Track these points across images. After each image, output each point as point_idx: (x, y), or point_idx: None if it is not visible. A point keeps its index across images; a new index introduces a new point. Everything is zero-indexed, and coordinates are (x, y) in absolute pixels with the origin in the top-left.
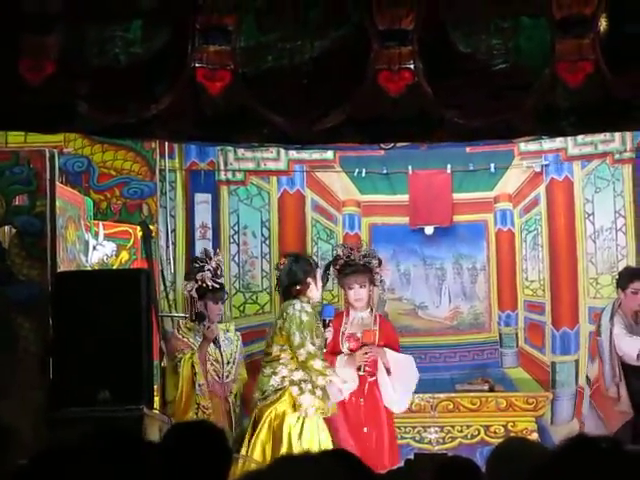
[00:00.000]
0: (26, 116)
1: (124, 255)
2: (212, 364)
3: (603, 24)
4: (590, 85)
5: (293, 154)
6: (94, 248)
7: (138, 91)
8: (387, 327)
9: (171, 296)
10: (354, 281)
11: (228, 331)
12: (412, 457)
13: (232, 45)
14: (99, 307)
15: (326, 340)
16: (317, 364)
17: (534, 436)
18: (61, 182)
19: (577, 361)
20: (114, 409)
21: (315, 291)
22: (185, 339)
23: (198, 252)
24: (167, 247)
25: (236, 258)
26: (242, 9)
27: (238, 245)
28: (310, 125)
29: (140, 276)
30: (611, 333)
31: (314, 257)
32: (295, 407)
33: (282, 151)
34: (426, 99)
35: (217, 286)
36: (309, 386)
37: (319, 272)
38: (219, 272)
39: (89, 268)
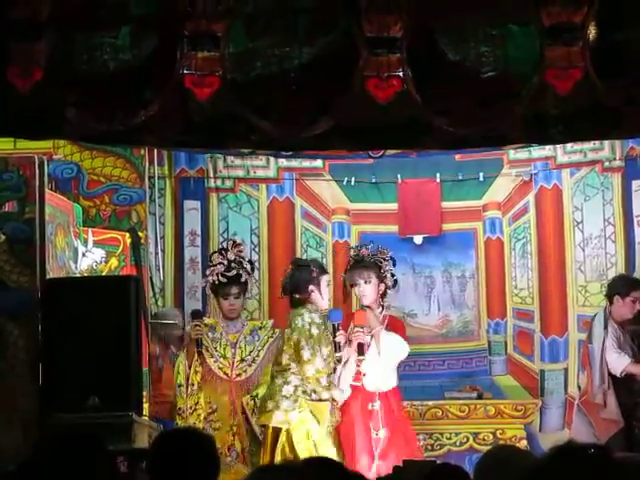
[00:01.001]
0: (15, 123)
1: (113, 262)
2: (217, 361)
3: (592, 32)
4: (579, 93)
5: (282, 162)
6: (83, 255)
7: (127, 97)
8: (394, 326)
9: (160, 302)
10: (358, 276)
11: (261, 328)
12: (401, 464)
13: (221, 51)
14: (88, 314)
15: (338, 344)
16: (323, 380)
17: (523, 443)
18: (50, 189)
19: (566, 369)
20: (103, 415)
21: (320, 300)
22: (198, 336)
23: (188, 258)
24: (156, 254)
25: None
26: (231, 15)
27: None
28: (298, 132)
29: (129, 283)
30: (604, 342)
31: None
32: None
33: (271, 159)
34: (415, 107)
35: (224, 281)
36: (317, 396)
37: (325, 278)
38: (233, 265)
39: (78, 275)
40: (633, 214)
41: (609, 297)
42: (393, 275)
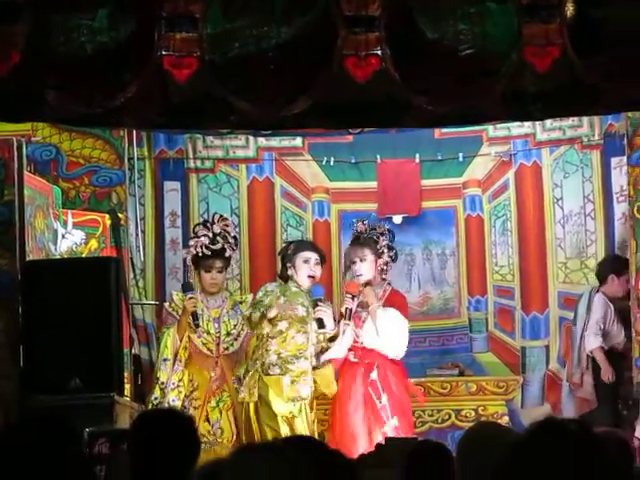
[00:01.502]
0: None
1: (93, 243)
2: (200, 337)
3: (570, 9)
4: (558, 70)
5: (262, 141)
6: (63, 237)
7: (105, 79)
8: (393, 299)
9: (141, 284)
10: (354, 254)
11: (242, 303)
12: (383, 441)
13: (199, 32)
14: (69, 296)
15: (321, 320)
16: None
17: (505, 420)
18: (29, 171)
19: (547, 346)
20: (85, 396)
21: (296, 276)
22: (174, 313)
23: (168, 239)
24: (136, 235)
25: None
26: None
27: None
28: (277, 111)
29: (110, 264)
30: (585, 323)
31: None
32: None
33: (251, 139)
34: (393, 85)
35: (208, 253)
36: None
37: (303, 255)
38: (218, 238)
39: (58, 257)
40: (612, 191)
41: (603, 276)
42: (392, 248)
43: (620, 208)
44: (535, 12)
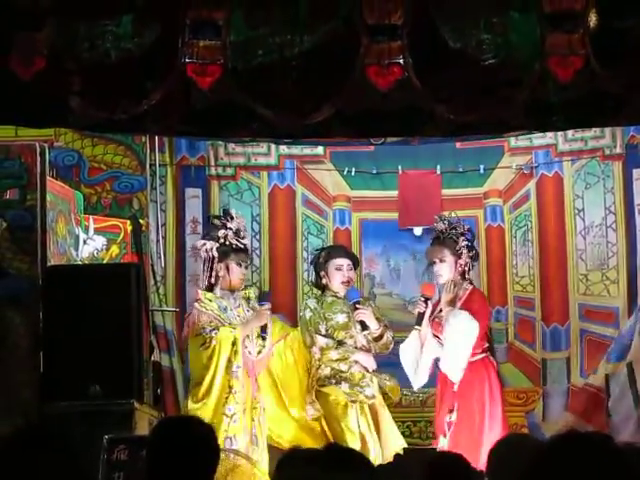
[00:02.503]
0: (17, 111)
1: (114, 249)
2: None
3: (593, 19)
4: (580, 80)
5: (284, 149)
6: (84, 242)
7: (129, 86)
8: (471, 298)
9: (161, 290)
10: (433, 255)
11: (249, 298)
12: (401, 452)
13: (222, 40)
14: (89, 301)
15: (363, 323)
16: (333, 355)
17: (524, 431)
18: (51, 176)
19: (568, 358)
20: (105, 403)
21: (330, 284)
22: (210, 311)
23: (189, 246)
24: (157, 241)
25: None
26: (232, 4)
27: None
28: (300, 120)
29: (130, 270)
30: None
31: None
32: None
33: (273, 146)
34: (416, 94)
35: (241, 246)
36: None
37: (335, 262)
38: (241, 234)
39: (79, 262)
40: (634, 203)
41: None
42: (472, 248)
43: None
44: (558, 22)
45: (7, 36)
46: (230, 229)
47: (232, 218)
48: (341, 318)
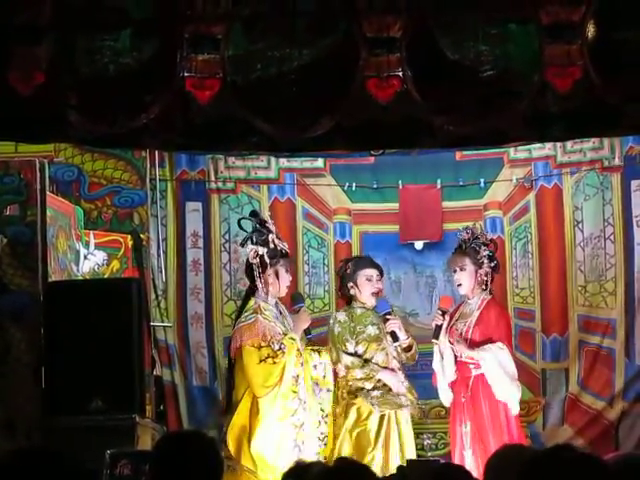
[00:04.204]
0: (16, 126)
1: (115, 264)
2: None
3: (591, 30)
4: (579, 91)
5: (284, 162)
6: (85, 257)
7: (128, 100)
8: (489, 312)
9: (162, 304)
10: (454, 264)
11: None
12: (405, 463)
13: (221, 54)
14: (91, 316)
15: (394, 334)
16: (358, 374)
17: (527, 442)
18: (52, 191)
19: (567, 369)
20: (107, 418)
21: (360, 296)
22: (272, 323)
23: (190, 260)
24: (158, 256)
25: (227, 267)
26: (230, 18)
27: (229, 254)
28: (299, 133)
29: (131, 285)
30: None
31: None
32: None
33: (272, 159)
34: (415, 106)
35: (287, 250)
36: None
37: (364, 272)
38: (280, 237)
39: (80, 277)
40: (632, 214)
41: None
42: (493, 259)
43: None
44: (556, 33)
45: (6, 52)
46: (273, 232)
47: (267, 221)
48: (372, 330)
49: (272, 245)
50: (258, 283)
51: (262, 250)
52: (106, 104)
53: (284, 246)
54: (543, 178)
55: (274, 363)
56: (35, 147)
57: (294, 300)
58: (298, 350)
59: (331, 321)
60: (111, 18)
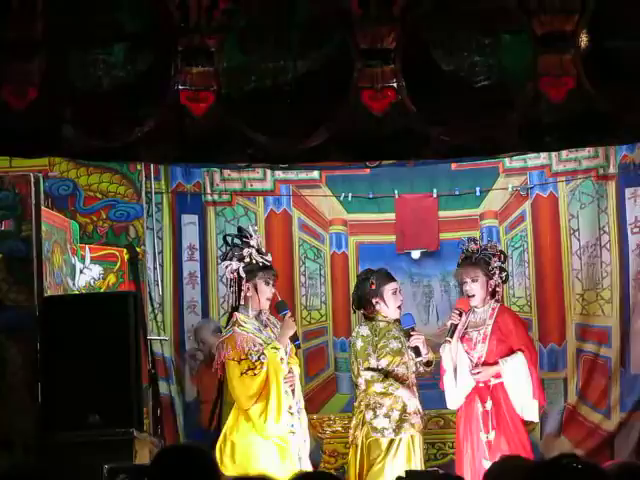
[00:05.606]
0: (11, 141)
1: (111, 278)
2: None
3: (584, 39)
4: (573, 100)
5: (279, 174)
6: (81, 272)
7: (122, 114)
8: (505, 319)
9: (159, 318)
10: (465, 275)
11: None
12: (403, 474)
13: (215, 66)
14: (87, 331)
15: (417, 349)
16: (377, 387)
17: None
18: (47, 206)
19: (565, 379)
20: (104, 432)
21: (386, 309)
22: (250, 334)
23: (186, 273)
24: (154, 269)
25: (224, 279)
26: (224, 30)
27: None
28: (294, 145)
29: (128, 299)
30: None
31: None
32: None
33: (268, 171)
34: (410, 117)
35: (267, 263)
36: (384, 410)
37: (389, 287)
38: (263, 251)
39: (76, 292)
40: (627, 222)
41: None
42: (503, 270)
43: (634, 239)
44: (550, 43)
45: None
46: (253, 247)
47: (251, 235)
48: (395, 344)
49: (248, 259)
50: (232, 298)
51: (237, 265)
52: (101, 118)
53: (264, 259)
54: (538, 187)
55: (254, 375)
56: (29, 161)
57: (278, 308)
58: (282, 359)
59: (353, 334)
60: (105, 31)
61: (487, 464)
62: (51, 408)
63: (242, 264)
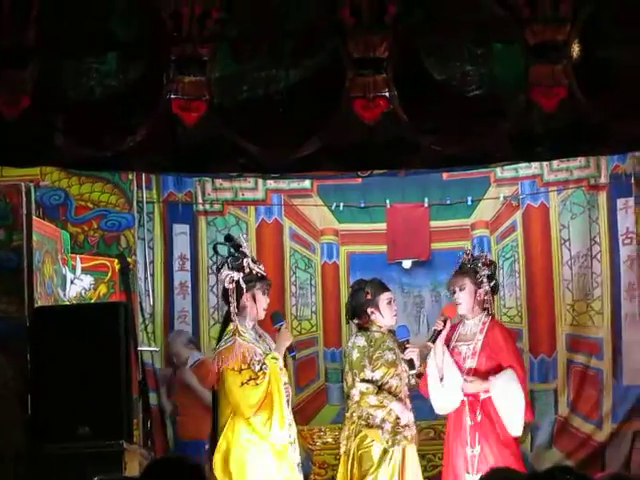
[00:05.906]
0: (2, 150)
1: (102, 288)
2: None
3: (576, 49)
4: (565, 110)
5: (271, 184)
6: (72, 282)
7: (114, 123)
8: (495, 335)
9: (150, 328)
10: (453, 284)
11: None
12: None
13: (207, 75)
14: (77, 342)
15: (412, 361)
16: (372, 400)
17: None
18: (38, 215)
19: (555, 390)
20: (94, 444)
21: (382, 319)
22: (251, 344)
23: (177, 283)
24: (146, 279)
25: (215, 289)
26: (217, 39)
27: (217, 276)
28: (286, 154)
29: (119, 309)
30: None
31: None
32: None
33: (260, 181)
34: (402, 126)
35: (264, 274)
36: (377, 422)
37: (384, 296)
38: (256, 260)
39: (67, 302)
40: (618, 233)
41: None
42: (492, 279)
43: (626, 250)
44: (542, 53)
45: None
46: (248, 256)
47: (243, 244)
48: (390, 355)
49: (247, 270)
50: (234, 308)
51: (237, 275)
52: (92, 127)
53: (260, 269)
54: (530, 197)
55: (256, 385)
56: (21, 171)
57: (274, 319)
58: (281, 369)
59: (349, 344)
60: (97, 40)
61: (470, 478)
62: (41, 420)
63: (242, 274)
